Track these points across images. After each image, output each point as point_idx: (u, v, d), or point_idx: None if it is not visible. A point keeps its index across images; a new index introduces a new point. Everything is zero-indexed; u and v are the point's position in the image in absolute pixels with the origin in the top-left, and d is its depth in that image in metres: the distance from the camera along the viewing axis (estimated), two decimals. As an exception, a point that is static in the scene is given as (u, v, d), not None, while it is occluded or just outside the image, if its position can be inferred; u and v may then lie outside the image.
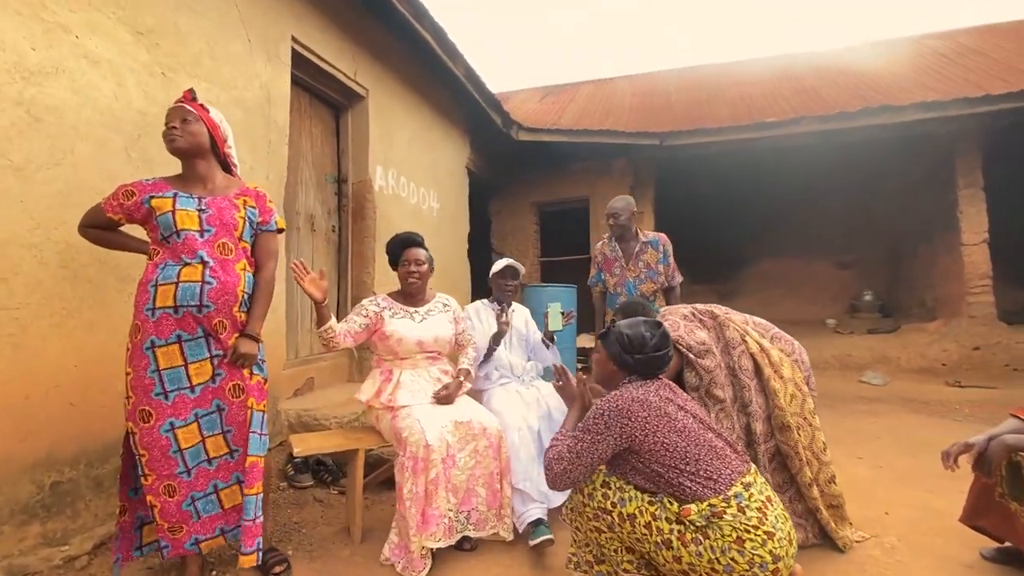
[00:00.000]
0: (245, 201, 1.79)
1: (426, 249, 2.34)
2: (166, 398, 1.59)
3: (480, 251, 6.56)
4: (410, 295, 2.33)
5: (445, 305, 2.41)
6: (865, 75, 6.58)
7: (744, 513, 1.40)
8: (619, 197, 3.03)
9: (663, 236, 2.96)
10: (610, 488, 1.57)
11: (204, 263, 1.63)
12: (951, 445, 1.87)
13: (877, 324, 6.99)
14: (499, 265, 2.56)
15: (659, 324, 1.69)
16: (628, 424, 1.51)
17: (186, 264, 1.62)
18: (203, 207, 1.70)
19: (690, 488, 1.45)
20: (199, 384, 1.63)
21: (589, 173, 6.69)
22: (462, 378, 2.30)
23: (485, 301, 2.68)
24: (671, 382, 1.71)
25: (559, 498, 2.12)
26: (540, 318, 2.64)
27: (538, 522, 2.03)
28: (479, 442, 2.06)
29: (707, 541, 1.39)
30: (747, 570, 1.36)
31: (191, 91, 1.77)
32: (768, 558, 1.36)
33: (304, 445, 2.14)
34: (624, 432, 1.51)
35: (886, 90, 5.83)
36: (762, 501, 1.43)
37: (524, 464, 2.14)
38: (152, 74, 2.26)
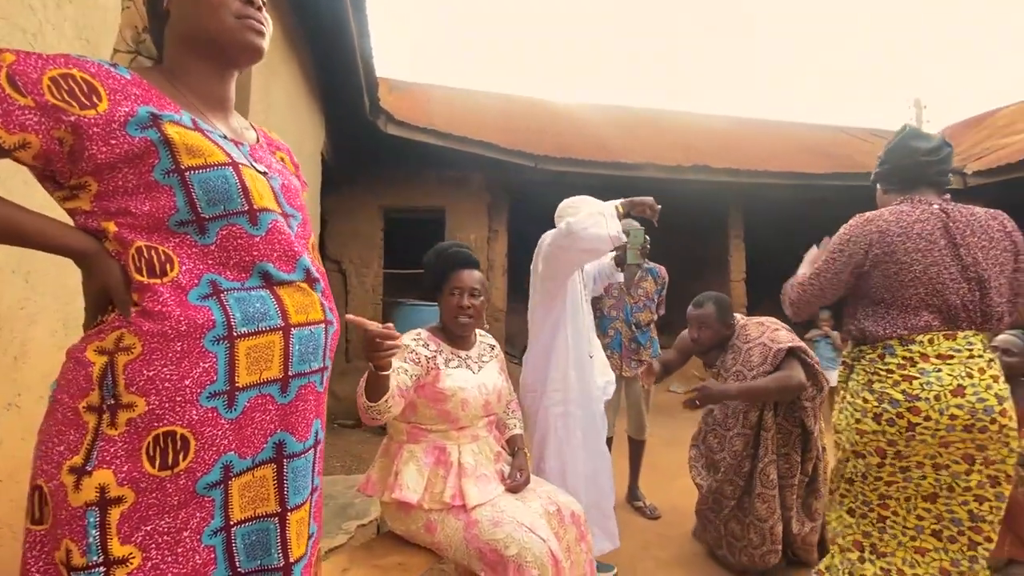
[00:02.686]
0: (283, 159, 0.98)
1: (480, 271, 1.67)
2: None
3: (322, 257, 5.40)
4: (459, 336, 1.63)
5: (491, 346, 1.76)
6: (694, 138, 7.90)
7: None
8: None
9: (663, 268, 2.85)
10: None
11: (313, 281, 0.81)
12: None
13: (666, 343, 8.39)
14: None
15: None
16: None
17: (283, 283, 0.77)
18: (256, 163, 0.82)
19: None
20: (299, 561, 0.75)
21: (446, 183, 6.24)
22: (523, 447, 1.71)
23: None
24: None
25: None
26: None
27: None
28: (569, 534, 1.53)
29: None
30: None
31: None
32: None
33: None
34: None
35: (705, 154, 7.07)
36: None
37: None
38: None
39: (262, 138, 0.94)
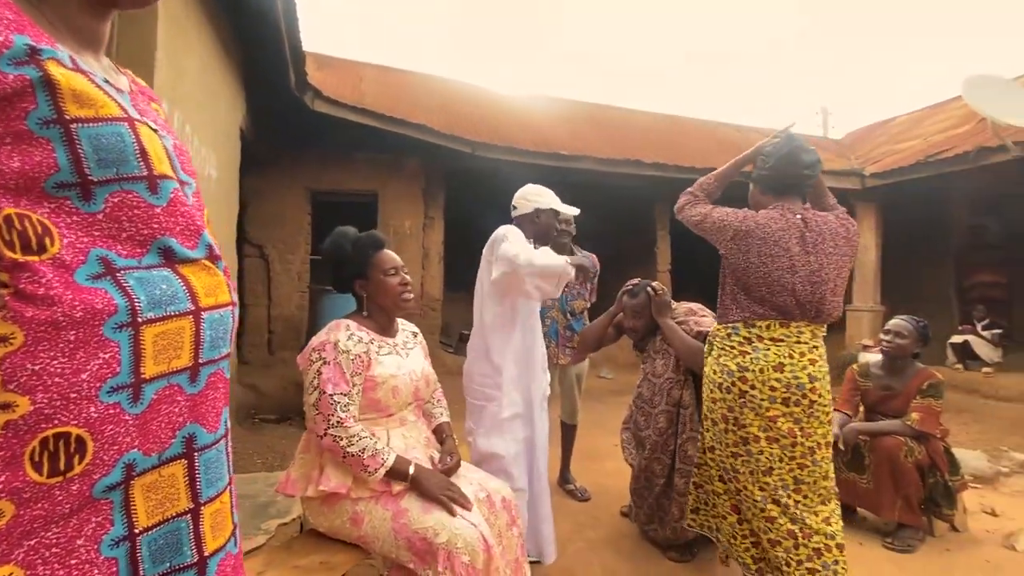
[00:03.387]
0: (158, 111, 0.83)
1: None
2: None
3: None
4: (387, 323, 1.57)
5: (414, 333, 1.71)
6: (628, 133, 8.06)
7: None
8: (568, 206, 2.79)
9: (594, 256, 2.89)
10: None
11: (216, 259, 0.74)
12: None
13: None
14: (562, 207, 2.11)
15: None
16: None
17: (186, 261, 0.69)
18: (141, 115, 0.71)
19: None
20: (215, 555, 0.68)
21: (378, 167, 6.02)
22: (451, 434, 1.67)
23: None
24: None
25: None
26: None
27: None
28: (500, 519, 1.53)
29: None
30: None
31: None
32: None
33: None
34: None
35: (637, 149, 7.26)
36: None
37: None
38: None
39: (134, 86, 0.79)
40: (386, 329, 1.56)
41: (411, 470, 1.35)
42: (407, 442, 1.47)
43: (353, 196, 6.09)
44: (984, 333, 6.38)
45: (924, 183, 6.48)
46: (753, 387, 1.65)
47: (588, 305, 2.86)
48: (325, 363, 1.36)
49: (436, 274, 6.33)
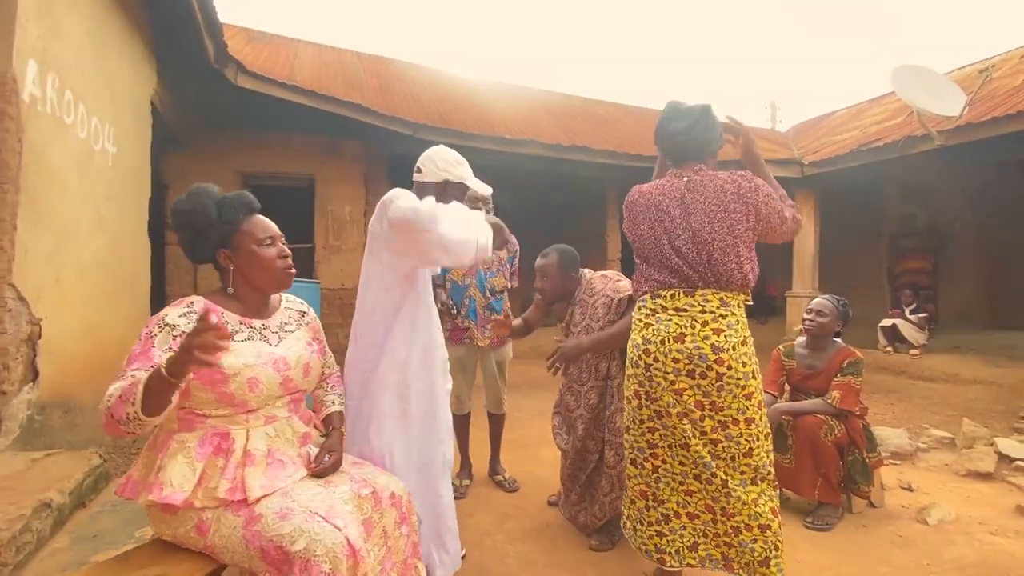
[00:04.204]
0: None
1: None
2: None
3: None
4: (259, 301, 1.39)
5: (301, 312, 1.53)
6: (575, 120, 7.96)
7: None
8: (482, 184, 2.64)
9: (512, 235, 2.75)
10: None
11: None
12: None
13: (548, 320, 8.57)
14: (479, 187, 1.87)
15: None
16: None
17: None
18: None
19: None
20: None
21: (315, 149, 5.73)
22: (339, 427, 1.51)
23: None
24: None
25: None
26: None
27: None
28: (387, 518, 1.38)
29: None
30: None
31: None
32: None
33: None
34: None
35: (585, 135, 7.18)
36: None
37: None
38: None
39: None
40: (256, 310, 1.37)
41: (162, 369, 1.00)
42: (273, 442, 1.30)
43: (288, 180, 5.77)
44: (911, 317, 6.67)
45: (858, 172, 6.69)
46: (656, 359, 1.59)
47: (509, 285, 2.74)
48: (138, 339, 1.18)
49: (379, 262, 6.09)
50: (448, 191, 1.80)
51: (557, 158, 6.28)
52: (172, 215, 1.34)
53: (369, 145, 5.81)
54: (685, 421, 1.58)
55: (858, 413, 2.46)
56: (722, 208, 1.58)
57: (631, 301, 2.11)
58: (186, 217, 1.31)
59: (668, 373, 1.58)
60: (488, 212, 2.32)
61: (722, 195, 1.59)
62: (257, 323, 1.36)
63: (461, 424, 2.69)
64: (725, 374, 1.55)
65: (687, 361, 1.56)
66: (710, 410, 1.57)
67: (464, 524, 2.30)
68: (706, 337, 1.56)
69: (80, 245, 2.82)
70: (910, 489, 2.72)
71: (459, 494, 2.56)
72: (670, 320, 1.60)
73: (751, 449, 1.57)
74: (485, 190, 1.89)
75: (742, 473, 1.57)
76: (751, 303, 1.66)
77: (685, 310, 1.60)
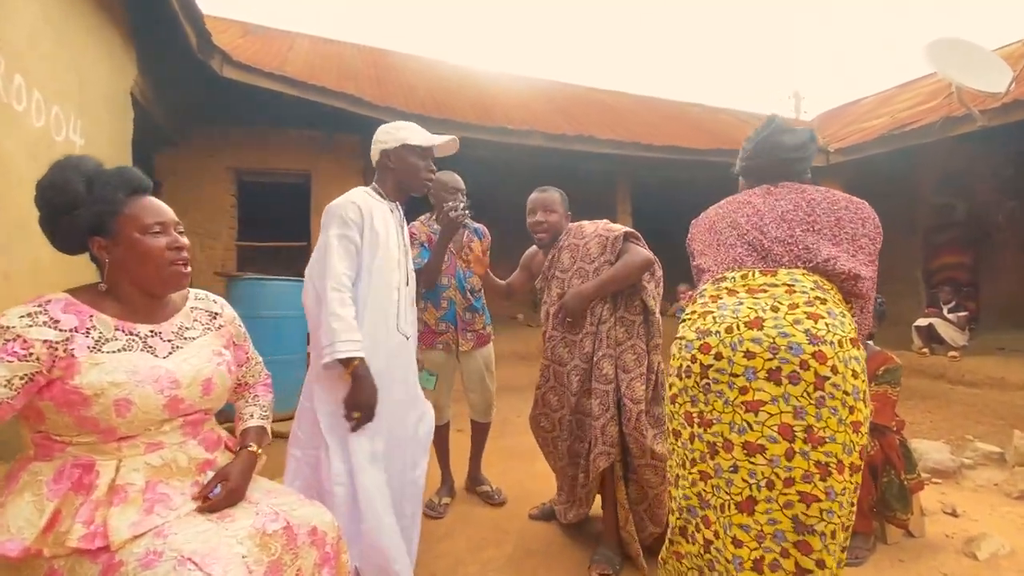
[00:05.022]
0: None
1: None
2: None
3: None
4: (145, 301, 1.14)
5: (213, 315, 1.28)
6: (579, 109, 7.65)
7: None
8: (450, 173, 2.42)
9: (484, 228, 2.51)
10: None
11: None
12: None
13: (535, 322, 8.30)
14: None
15: None
16: None
17: None
18: None
19: None
20: None
21: (311, 144, 5.54)
22: (255, 447, 1.26)
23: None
24: None
25: None
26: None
27: None
28: (304, 559, 1.12)
29: None
30: None
31: None
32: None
33: None
34: None
35: (590, 125, 6.87)
36: None
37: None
38: None
39: None
40: (143, 313, 1.13)
41: None
42: (156, 473, 1.05)
43: (284, 176, 5.60)
44: (950, 316, 6.17)
45: (889, 159, 6.23)
46: (719, 356, 1.17)
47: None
48: None
49: (378, 260, 5.88)
50: (403, 155, 1.74)
51: (561, 149, 5.97)
52: (37, 193, 1.11)
53: (367, 140, 5.52)
54: (760, 460, 1.04)
55: (894, 428, 2.12)
56: (814, 210, 1.32)
57: (627, 238, 1.94)
58: (44, 192, 1.07)
59: (737, 376, 1.08)
60: (463, 203, 2.08)
61: (819, 204, 1.33)
62: (142, 329, 1.11)
63: (440, 435, 2.43)
64: (829, 379, 1.02)
65: (768, 355, 1.05)
66: (804, 442, 1.02)
67: (437, 549, 2.05)
68: (797, 321, 1.07)
69: (38, 240, 2.64)
70: (954, 514, 2.36)
71: (437, 513, 2.32)
72: (740, 304, 1.15)
73: (839, 516, 1.03)
74: (433, 140, 1.76)
75: (819, 564, 1.01)
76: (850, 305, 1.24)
77: (764, 290, 1.16)
